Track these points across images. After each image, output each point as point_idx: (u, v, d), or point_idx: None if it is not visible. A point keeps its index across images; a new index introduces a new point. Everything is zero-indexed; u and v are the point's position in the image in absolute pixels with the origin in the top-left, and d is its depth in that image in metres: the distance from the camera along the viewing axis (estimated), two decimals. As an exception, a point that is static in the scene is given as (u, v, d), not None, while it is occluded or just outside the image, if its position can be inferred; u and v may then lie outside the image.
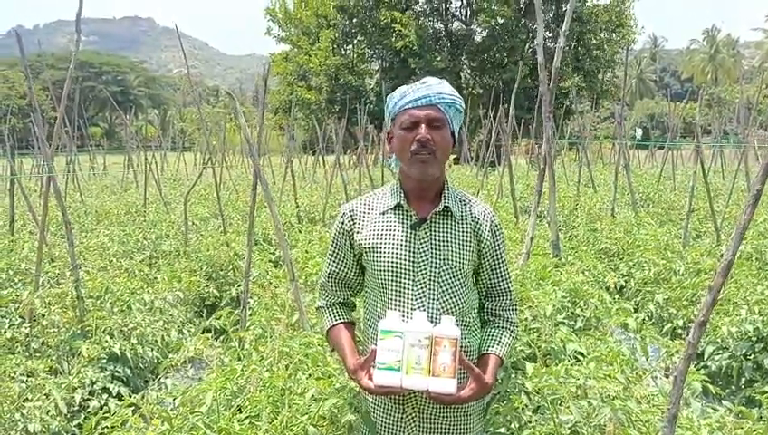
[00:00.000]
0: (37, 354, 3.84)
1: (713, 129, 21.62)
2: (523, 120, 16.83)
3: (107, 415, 2.39)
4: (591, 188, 11.52)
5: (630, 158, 14.08)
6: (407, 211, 1.93)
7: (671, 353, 3.14)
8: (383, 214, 1.95)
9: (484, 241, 1.96)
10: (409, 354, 1.76)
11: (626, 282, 5.77)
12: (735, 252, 1.50)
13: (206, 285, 5.90)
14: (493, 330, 2.01)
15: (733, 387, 3.91)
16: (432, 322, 1.83)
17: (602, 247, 6.86)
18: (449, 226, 1.93)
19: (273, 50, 34.30)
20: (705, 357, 4.05)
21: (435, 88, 1.89)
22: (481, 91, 29.83)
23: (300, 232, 8.12)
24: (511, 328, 2.02)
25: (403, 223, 1.93)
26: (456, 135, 1.95)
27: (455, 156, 27.55)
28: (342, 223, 2.01)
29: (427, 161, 1.86)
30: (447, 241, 1.91)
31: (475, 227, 1.96)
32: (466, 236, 1.94)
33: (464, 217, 1.95)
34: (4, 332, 3.88)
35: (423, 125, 1.85)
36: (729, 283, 4.56)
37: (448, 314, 1.86)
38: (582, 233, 7.70)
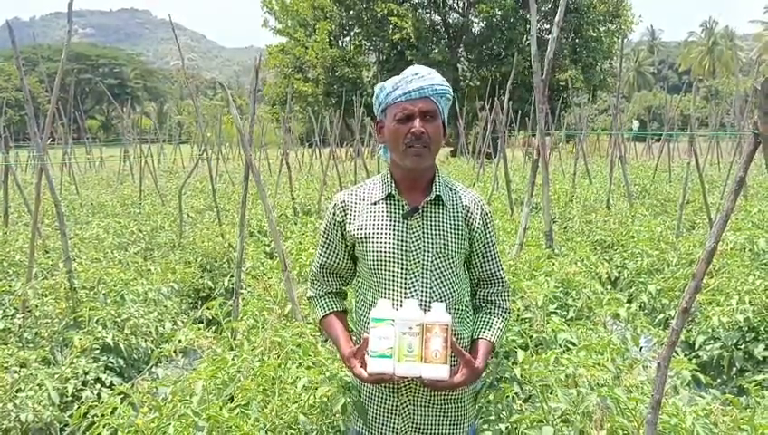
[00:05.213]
0: (30, 345, 3.84)
1: (710, 121, 21.62)
2: (520, 112, 16.80)
3: (96, 404, 2.39)
4: (587, 180, 11.53)
5: (627, 150, 14.09)
6: (398, 201, 1.94)
7: (663, 343, 3.15)
8: (375, 204, 1.96)
9: (475, 229, 1.97)
10: (401, 342, 1.77)
11: (619, 273, 5.78)
12: (718, 239, 1.50)
13: (201, 277, 5.90)
14: (484, 316, 2.03)
15: (724, 377, 3.93)
16: (424, 309, 1.84)
17: (597, 239, 6.87)
18: (441, 214, 1.94)
19: (271, 42, 34.16)
20: (697, 347, 4.06)
21: (427, 79, 1.88)
22: (478, 83, 29.76)
23: (295, 224, 8.13)
24: (502, 314, 2.04)
25: (395, 213, 1.94)
26: (446, 123, 1.96)
27: (451, 148, 27.57)
28: (334, 214, 2.01)
29: (421, 154, 1.87)
30: (439, 230, 1.93)
31: (466, 215, 1.97)
32: (458, 225, 1.95)
33: (455, 206, 1.96)
34: (-3, 322, 3.89)
35: (417, 118, 1.85)
36: (721, 273, 4.58)
37: (440, 302, 1.87)
38: (577, 225, 7.72)
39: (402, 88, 1.88)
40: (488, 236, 2.02)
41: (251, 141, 3.85)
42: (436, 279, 1.90)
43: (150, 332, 4.36)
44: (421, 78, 1.88)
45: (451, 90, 1.95)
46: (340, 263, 2.05)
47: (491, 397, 2.60)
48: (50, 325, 3.97)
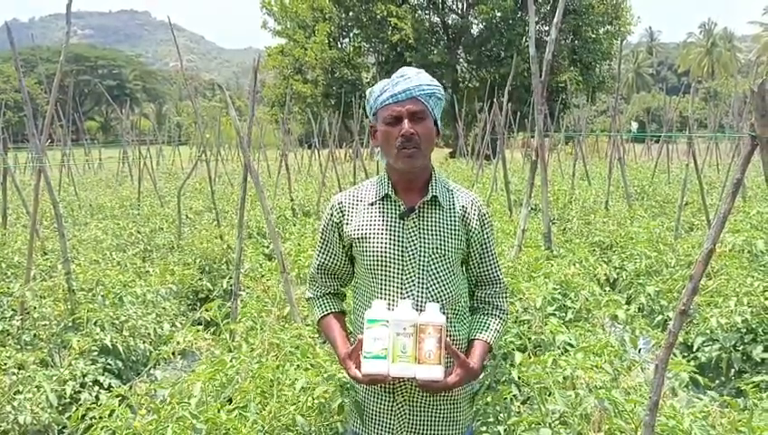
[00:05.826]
0: (28, 347, 3.84)
1: (709, 122, 21.63)
2: (519, 114, 16.82)
3: (94, 406, 2.39)
4: (586, 181, 11.53)
5: (626, 151, 14.10)
6: (395, 202, 1.95)
7: (661, 345, 3.14)
8: (372, 205, 1.97)
9: (473, 229, 1.98)
10: (395, 343, 1.78)
11: (618, 274, 5.78)
12: (716, 241, 1.51)
13: (200, 278, 5.90)
14: (481, 317, 2.03)
15: (722, 378, 3.93)
16: (419, 310, 1.85)
17: (595, 240, 6.87)
18: (437, 215, 1.95)
19: (270, 43, 34.12)
20: (695, 349, 4.06)
21: (414, 80, 1.89)
22: (477, 84, 29.76)
23: (294, 225, 8.13)
24: (500, 315, 2.04)
25: (391, 213, 1.94)
26: (438, 122, 1.96)
27: (450, 150, 27.54)
28: (332, 215, 2.02)
29: (412, 155, 1.87)
30: (436, 230, 1.93)
31: (463, 215, 1.97)
32: (454, 225, 1.95)
33: (451, 206, 1.97)
34: (-4, 324, 3.88)
35: (406, 120, 1.86)
36: (720, 275, 4.57)
37: (437, 302, 1.88)
38: (576, 226, 7.72)
39: (389, 91, 1.89)
40: (486, 236, 2.02)
41: (250, 143, 3.85)
42: (432, 280, 1.91)
43: (149, 333, 4.36)
44: (407, 79, 1.89)
45: (441, 89, 1.94)
46: (338, 264, 2.06)
47: (489, 399, 2.60)
48: (48, 327, 3.97)
